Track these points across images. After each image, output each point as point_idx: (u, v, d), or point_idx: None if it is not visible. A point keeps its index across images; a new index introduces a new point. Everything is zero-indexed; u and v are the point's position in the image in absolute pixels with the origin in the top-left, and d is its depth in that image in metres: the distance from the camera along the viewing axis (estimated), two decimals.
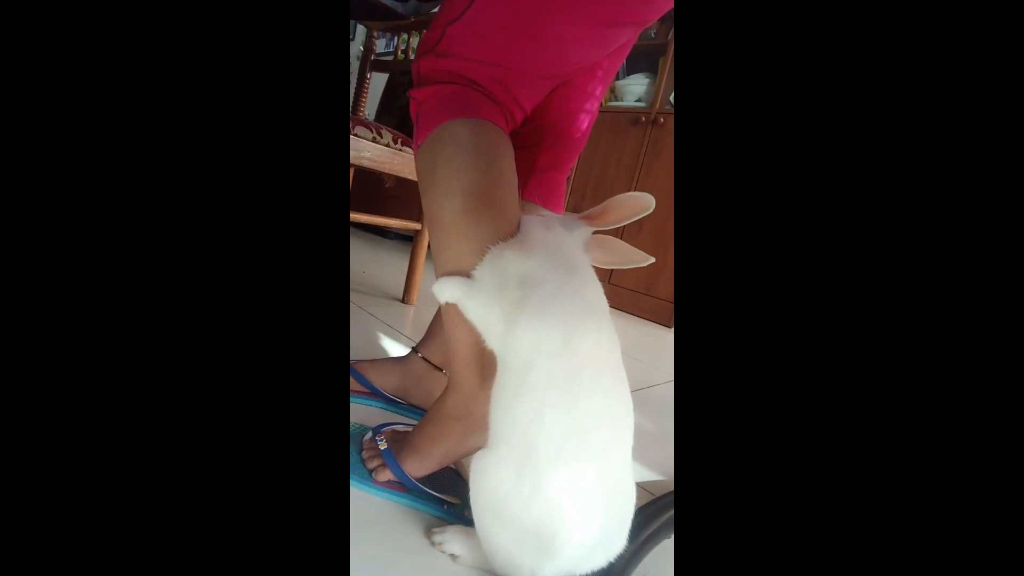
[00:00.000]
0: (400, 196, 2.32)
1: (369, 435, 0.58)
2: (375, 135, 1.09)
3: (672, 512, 0.56)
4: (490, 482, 0.40)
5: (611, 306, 0.44)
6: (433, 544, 0.46)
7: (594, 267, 0.48)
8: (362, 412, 0.69)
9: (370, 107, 2.67)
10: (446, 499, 0.52)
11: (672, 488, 0.64)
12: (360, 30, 3.23)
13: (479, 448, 0.43)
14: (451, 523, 0.49)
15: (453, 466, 0.58)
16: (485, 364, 0.49)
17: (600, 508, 0.39)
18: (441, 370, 0.72)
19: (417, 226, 1.34)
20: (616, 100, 2.19)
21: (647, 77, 2.12)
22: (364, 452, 0.56)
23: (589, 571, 0.40)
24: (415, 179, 0.68)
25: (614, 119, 2.14)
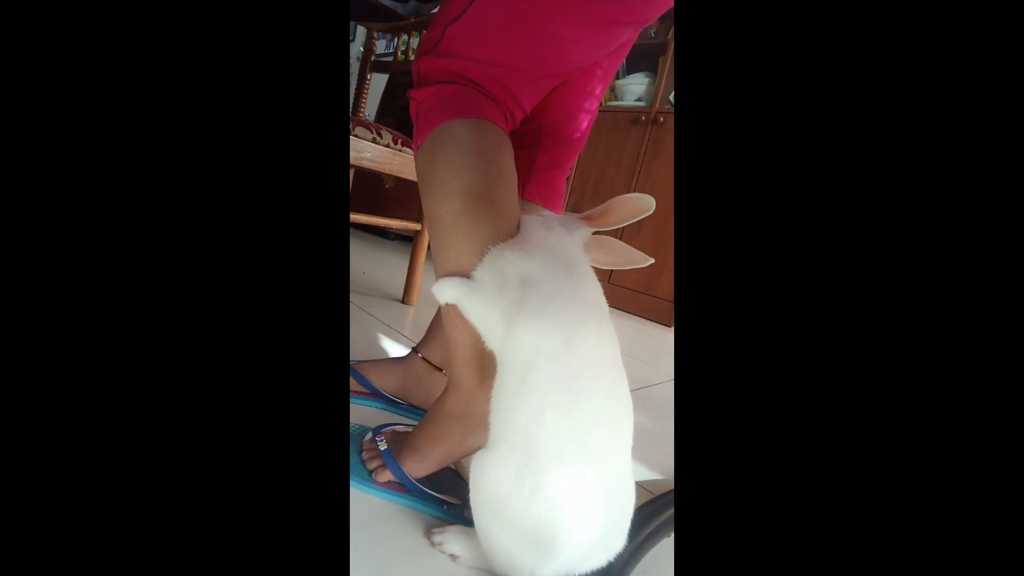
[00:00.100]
0: (400, 197, 2.32)
1: (369, 435, 0.58)
2: (375, 136, 1.09)
3: (672, 511, 0.56)
4: (490, 482, 0.40)
5: (611, 305, 0.44)
6: (433, 544, 0.46)
7: (594, 267, 0.48)
8: (362, 412, 0.69)
9: (370, 108, 2.67)
10: (446, 499, 0.52)
11: (672, 487, 0.64)
12: (360, 31, 3.23)
13: (479, 448, 0.43)
14: (451, 523, 0.49)
15: (453, 466, 0.58)
16: (485, 364, 0.49)
17: (600, 508, 0.39)
18: (441, 370, 0.72)
19: (417, 227, 1.34)
20: (616, 99, 2.19)
21: (647, 76, 2.12)
22: (364, 453, 0.56)
23: (589, 571, 0.40)
24: (415, 180, 0.68)
25: (614, 118, 2.14)
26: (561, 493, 0.38)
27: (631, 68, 2.18)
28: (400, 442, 0.55)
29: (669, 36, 2.03)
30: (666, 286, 1.97)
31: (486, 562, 0.43)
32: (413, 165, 0.78)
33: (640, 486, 0.52)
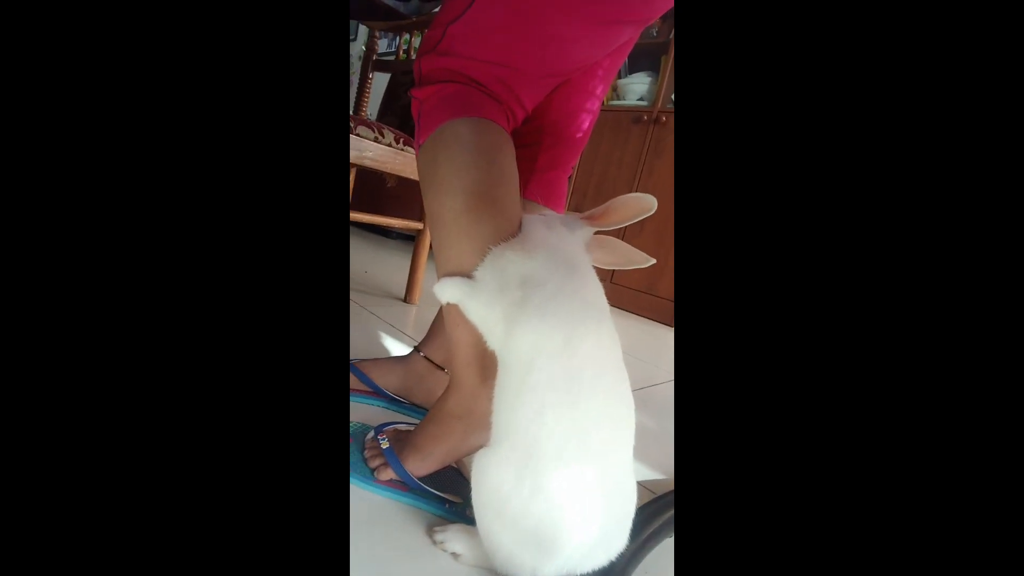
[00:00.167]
0: (402, 196, 2.32)
1: (371, 434, 0.58)
2: (377, 135, 1.09)
3: (673, 511, 0.56)
4: (491, 481, 0.40)
5: (613, 305, 0.44)
6: (435, 543, 0.47)
7: (595, 267, 0.48)
8: (364, 411, 0.69)
9: (372, 107, 2.67)
10: (448, 498, 0.52)
11: (673, 487, 0.64)
12: (362, 30, 3.23)
13: (481, 447, 0.43)
14: (453, 522, 0.49)
15: (455, 465, 0.58)
16: (486, 364, 0.49)
17: (600, 508, 0.39)
18: (443, 369, 0.72)
19: (419, 226, 1.34)
20: (618, 99, 2.19)
21: (649, 76, 2.11)
22: (366, 451, 0.56)
23: (590, 570, 0.40)
24: (417, 179, 0.68)
25: (616, 118, 2.14)
26: (561, 493, 0.38)
27: (633, 67, 2.17)
28: (402, 440, 0.55)
29: (671, 35, 2.03)
30: (668, 286, 1.97)
31: (488, 561, 0.43)
32: (415, 164, 0.78)
33: (642, 486, 0.52)
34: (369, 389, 0.72)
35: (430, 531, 0.48)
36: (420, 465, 0.53)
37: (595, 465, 0.39)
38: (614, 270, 2.04)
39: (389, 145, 1.11)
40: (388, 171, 1.13)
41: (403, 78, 2.43)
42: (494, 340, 0.44)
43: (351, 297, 1.27)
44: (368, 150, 1.07)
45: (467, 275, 0.46)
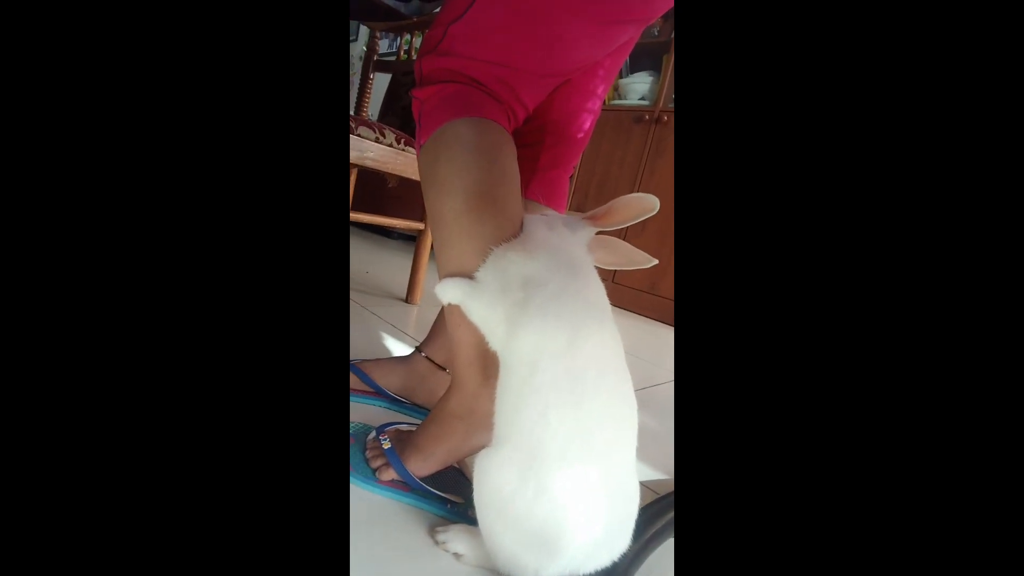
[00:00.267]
0: (403, 196, 2.32)
1: (373, 434, 0.58)
2: (378, 135, 1.09)
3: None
4: (494, 482, 0.40)
5: (615, 305, 0.44)
6: (437, 543, 0.46)
7: (597, 267, 0.48)
8: (366, 411, 0.69)
9: (373, 107, 2.67)
10: (450, 498, 0.52)
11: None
12: (363, 31, 3.23)
13: (482, 447, 0.43)
14: (455, 522, 0.49)
15: (457, 465, 0.58)
16: (488, 364, 0.49)
17: (603, 509, 0.39)
18: (444, 369, 0.72)
19: (420, 226, 1.34)
20: (619, 98, 2.18)
21: (650, 75, 2.11)
22: (368, 451, 0.56)
23: (593, 571, 0.40)
24: (418, 179, 0.68)
25: (617, 117, 2.14)
26: (564, 493, 0.38)
27: (634, 67, 2.17)
28: (404, 441, 0.55)
29: (672, 35, 2.03)
30: (670, 286, 1.96)
31: (490, 561, 0.43)
32: (416, 164, 0.78)
33: (644, 486, 0.52)
34: (370, 389, 0.72)
35: (432, 531, 0.48)
36: (422, 465, 0.53)
37: (599, 465, 0.39)
38: (616, 270, 2.04)
39: (390, 145, 1.11)
40: (389, 171, 1.13)
41: (404, 78, 2.43)
42: (496, 341, 0.44)
43: (352, 297, 1.27)
44: (369, 150, 1.07)
45: (469, 275, 0.46)
